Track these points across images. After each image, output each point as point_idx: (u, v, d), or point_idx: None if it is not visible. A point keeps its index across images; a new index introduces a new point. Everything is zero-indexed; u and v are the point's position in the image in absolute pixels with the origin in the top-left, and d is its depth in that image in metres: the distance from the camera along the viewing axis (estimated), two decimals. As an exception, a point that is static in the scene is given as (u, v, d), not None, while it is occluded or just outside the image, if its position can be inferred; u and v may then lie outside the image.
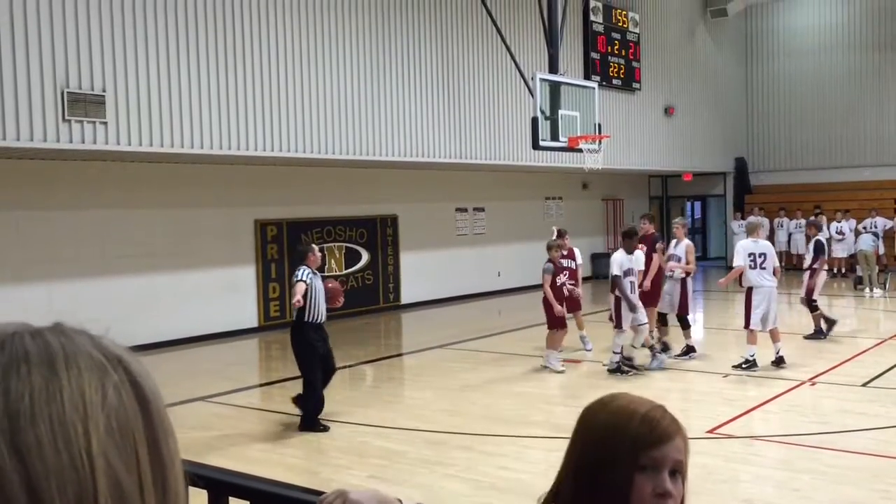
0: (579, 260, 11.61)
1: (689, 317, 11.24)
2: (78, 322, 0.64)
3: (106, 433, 0.58)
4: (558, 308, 10.23)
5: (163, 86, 10.60)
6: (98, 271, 12.15)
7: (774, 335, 10.15)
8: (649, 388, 9.56)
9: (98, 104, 9.89)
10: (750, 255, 10.03)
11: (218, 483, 1.94)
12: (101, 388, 0.59)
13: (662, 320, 11.18)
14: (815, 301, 12.06)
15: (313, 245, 8.26)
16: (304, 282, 7.73)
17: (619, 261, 10.08)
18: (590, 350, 11.51)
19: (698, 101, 22.74)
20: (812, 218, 15.44)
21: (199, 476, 2.06)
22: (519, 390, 9.46)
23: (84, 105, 9.74)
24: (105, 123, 10.00)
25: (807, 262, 12.47)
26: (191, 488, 1.99)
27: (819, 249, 12.27)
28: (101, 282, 12.19)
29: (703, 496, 6.00)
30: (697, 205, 26.82)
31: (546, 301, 10.38)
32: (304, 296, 7.67)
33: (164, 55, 10.62)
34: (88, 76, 9.85)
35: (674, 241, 11.28)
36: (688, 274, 11.04)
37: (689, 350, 10.96)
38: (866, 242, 17.89)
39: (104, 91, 9.98)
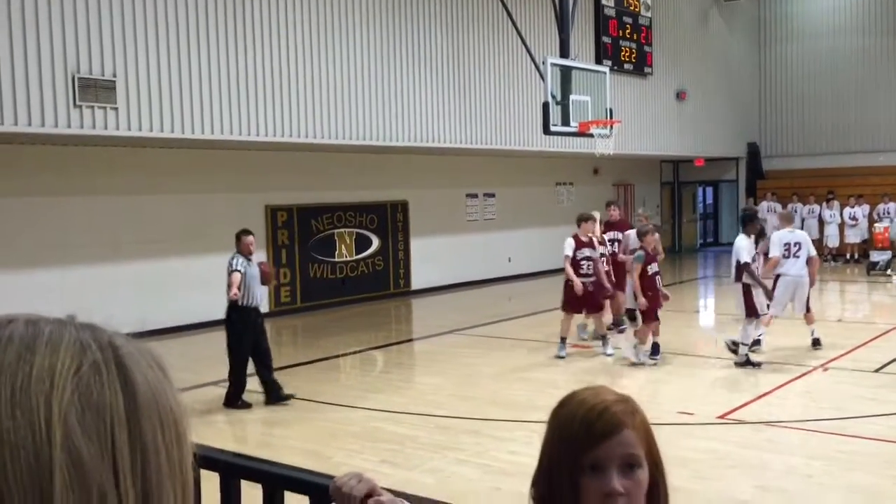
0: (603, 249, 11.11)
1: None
2: (90, 316, 0.64)
3: (71, 404, 0.56)
4: (643, 301, 9.65)
5: (173, 71, 10.60)
6: (110, 257, 12.20)
7: (809, 319, 10.23)
8: (661, 373, 9.55)
9: (109, 90, 9.89)
10: (785, 244, 10.08)
11: (230, 466, 1.94)
12: (77, 364, 0.58)
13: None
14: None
15: (246, 234, 8.42)
16: (240, 271, 8.08)
17: (747, 247, 9.55)
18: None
19: (710, 85, 22.58)
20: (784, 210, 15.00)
21: (212, 459, 2.06)
22: (529, 376, 9.46)
23: (95, 90, 9.75)
24: (116, 109, 10.02)
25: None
26: (203, 471, 2.00)
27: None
28: (113, 267, 12.23)
29: (714, 481, 6.00)
30: (709, 190, 26.69)
31: (644, 294, 9.67)
32: (239, 285, 8.01)
33: (174, 41, 10.61)
34: (99, 62, 9.85)
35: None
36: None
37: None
38: None
39: (115, 76, 9.99)
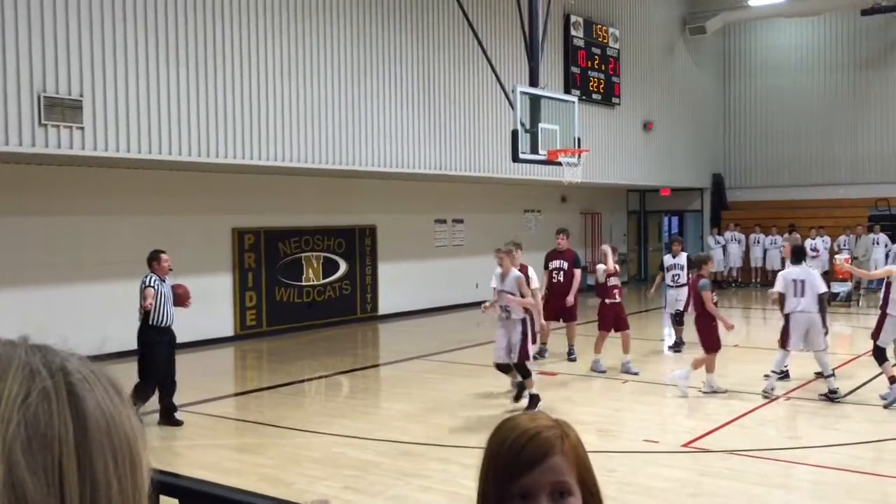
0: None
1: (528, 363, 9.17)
2: (45, 336, 0.62)
3: (16, 436, 0.54)
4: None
5: (141, 92, 10.52)
6: (72, 278, 12.00)
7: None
8: (625, 401, 9.58)
9: (75, 109, 9.79)
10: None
11: (191, 493, 1.90)
12: (25, 392, 0.55)
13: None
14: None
15: (161, 253, 8.59)
16: (153, 287, 8.37)
17: (811, 276, 9.60)
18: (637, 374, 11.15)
19: (677, 116, 22.94)
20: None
21: (172, 486, 2.02)
22: (497, 402, 9.43)
23: (61, 110, 9.64)
24: (82, 128, 9.90)
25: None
26: (163, 498, 1.95)
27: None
28: (75, 288, 12.03)
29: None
30: (675, 219, 27.01)
31: (705, 323, 9.67)
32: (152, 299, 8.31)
33: (143, 61, 10.54)
34: (66, 81, 9.76)
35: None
36: (526, 310, 9.07)
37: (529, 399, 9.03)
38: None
39: (81, 96, 9.89)
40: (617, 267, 11.16)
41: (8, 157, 10.31)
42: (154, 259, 8.50)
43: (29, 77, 9.40)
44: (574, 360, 11.68)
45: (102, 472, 0.56)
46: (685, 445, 7.56)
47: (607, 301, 11.05)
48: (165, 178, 13.08)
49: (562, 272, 11.87)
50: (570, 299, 11.70)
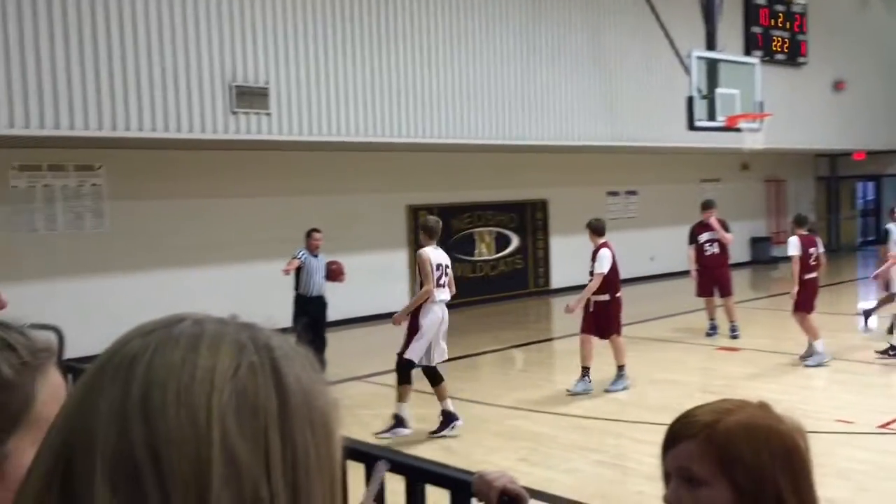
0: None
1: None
2: (252, 315, 0.68)
3: (228, 405, 0.59)
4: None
5: (321, 77, 11.03)
6: (263, 254, 12.82)
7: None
8: (816, 379, 9.07)
9: (262, 96, 10.42)
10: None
11: (376, 458, 2.02)
12: (236, 366, 0.61)
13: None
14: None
15: (314, 231, 9.62)
16: (298, 259, 9.42)
17: None
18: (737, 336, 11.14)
19: (871, 73, 21.17)
20: None
21: (359, 451, 2.15)
22: (672, 378, 9.22)
23: (250, 97, 10.30)
24: (269, 114, 10.54)
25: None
26: (350, 462, 2.08)
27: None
28: (267, 264, 12.84)
29: (872, 493, 5.64)
30: (871, 185, 25.03)
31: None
32: (298, 270, 9.40)
33: (322, 48, 11.04)
34: (253, 70, 10.40)
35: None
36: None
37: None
38: None
39: (268, 83, 10.51)
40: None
41: (204, 144, 11.14)
42: (308, 236, 9.60)
43: (221, 68, 10.10)
44: (737, 337, 11.13)
45: (301, 440, 0.62)
46: (882, 427, 7.07)
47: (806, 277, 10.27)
48: (343, 159, 13.66)
49: (715, 243, 11.32)
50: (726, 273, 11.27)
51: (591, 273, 8.77)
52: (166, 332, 0.63)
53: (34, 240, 10.79)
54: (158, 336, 0.63)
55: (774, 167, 21.82)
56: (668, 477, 1.28)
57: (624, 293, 9.10)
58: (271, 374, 0.62)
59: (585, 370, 8.68)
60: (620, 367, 8.82)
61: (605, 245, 8.85)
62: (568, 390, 8.67)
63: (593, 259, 8.79)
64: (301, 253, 9.50)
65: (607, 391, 8.62)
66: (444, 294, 7.42)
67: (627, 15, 14.88)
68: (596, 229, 8.92)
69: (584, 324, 8.86)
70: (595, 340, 8.83)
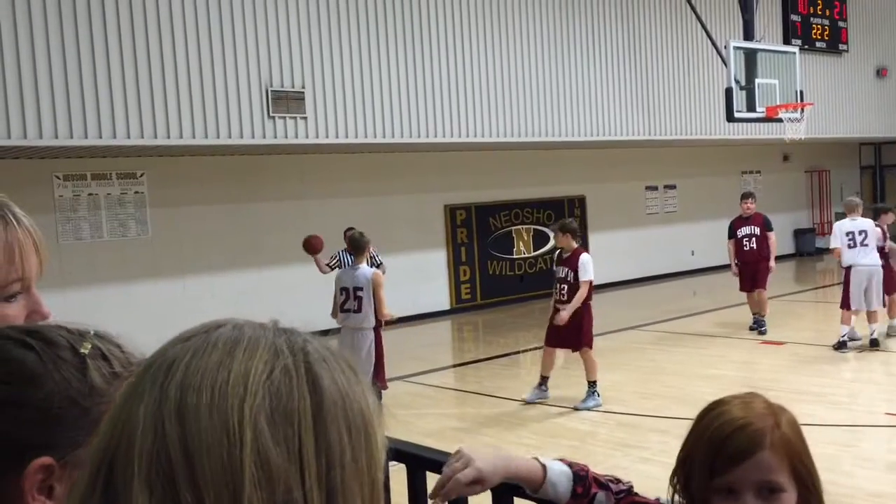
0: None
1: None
2: (291, 320, 0.70)
3: (261, 408, 0.60)
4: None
5: (356, 79, 11.09)
6: (301, 257, 12.93)
7: (872, 317, 9.60)
8: (864, 371, 8.90)
9: (298, 100, 10.52)
10: (848, 234, 9.60)
11: (416, 458, 2.03)
12: (270, 369, 0.62)
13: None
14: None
15: (350, 231, 9.35)
16: (336, 258, 9.42)
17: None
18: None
19: (916, 59, 20.69)
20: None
21: (398, 451, 2.17)
22: (715, 373, 9.11)
23: (286, 102, 10.40)
24: (305, 118, 10.63)
25: None
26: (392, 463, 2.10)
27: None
28: (304, 267, 12.95)
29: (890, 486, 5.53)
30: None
31: None
32: (336, 268, 9.07)
33: (356, 50, 11.10)
34: (289, 74, 10.50)
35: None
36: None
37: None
38: None
39: (303, 87, 10.60)
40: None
41: (242, 150, 11.28)
42: (345, 236, 9.66)
43: (258, 73, 10.22)
44: (764, 332, 10.95)
45: (337, 443, 0.62)
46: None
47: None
48: (380, 160, 13.72)
49: (753, 238, 11.13)
50: (773, 265, 11.02)
51: (565, 280, 8.20)
52: (205, 337, 0.65)
53: (81, 248, 11.02)
54: (196, 341, 0.65)
55: (817, 157, 21.44)
56: (731, 491, 1.19)
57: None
58: (306, 378, 0.63)
59: (544, 379, 8.34)
60: (592, 384, 8.04)
61: (583, 250, 8.39)
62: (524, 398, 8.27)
63: (567, 264, 8.18)
64: (336, 259, 9.45)
65: (576, 409, 7.92)
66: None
67: (663, 6, 14.74)
68: (573, 231, 8.22)
69: (548, 335, 8.31)
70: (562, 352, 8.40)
